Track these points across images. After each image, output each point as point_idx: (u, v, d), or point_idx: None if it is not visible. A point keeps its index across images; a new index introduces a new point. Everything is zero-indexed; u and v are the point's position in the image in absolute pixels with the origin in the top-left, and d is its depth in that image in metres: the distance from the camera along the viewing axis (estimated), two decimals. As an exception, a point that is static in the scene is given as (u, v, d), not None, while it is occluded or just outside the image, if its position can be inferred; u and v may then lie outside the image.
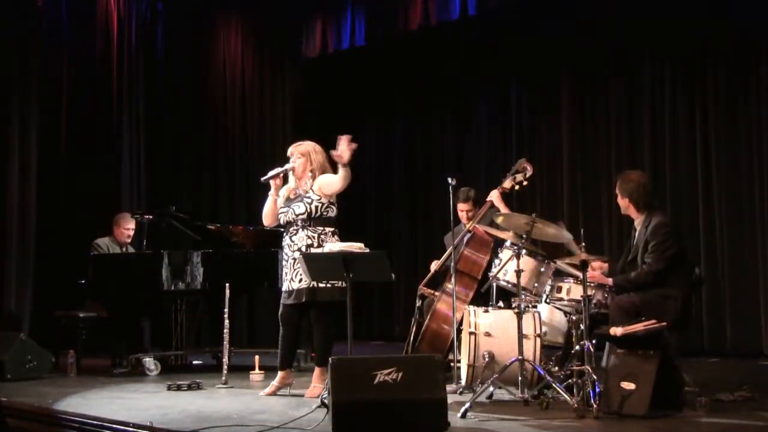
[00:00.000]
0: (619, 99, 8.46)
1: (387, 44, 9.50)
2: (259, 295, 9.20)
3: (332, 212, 5.63)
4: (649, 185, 5.38)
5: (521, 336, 4.99)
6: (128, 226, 7.58)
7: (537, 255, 5.47)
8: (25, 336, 6.83)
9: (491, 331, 5.38)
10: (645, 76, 8.29)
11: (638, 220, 5.32)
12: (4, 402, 5.05)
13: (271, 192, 5.73)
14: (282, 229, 5.76)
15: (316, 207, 5.55)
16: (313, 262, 5.10)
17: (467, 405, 4.63)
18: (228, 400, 5.50)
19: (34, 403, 5.31)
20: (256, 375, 6.41)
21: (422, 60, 9.77)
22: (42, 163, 8.46)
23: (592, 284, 5.08)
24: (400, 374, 4.14)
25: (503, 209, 6.14)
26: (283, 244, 5.67)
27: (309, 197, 5.57)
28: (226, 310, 6.20)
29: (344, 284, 5.03)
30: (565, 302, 5.23)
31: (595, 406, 4.52)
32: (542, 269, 5.45)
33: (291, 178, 5.69)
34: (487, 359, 5.30)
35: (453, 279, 5.81)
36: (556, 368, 5.29)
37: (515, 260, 5.12)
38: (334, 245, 5.31)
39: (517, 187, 6.21)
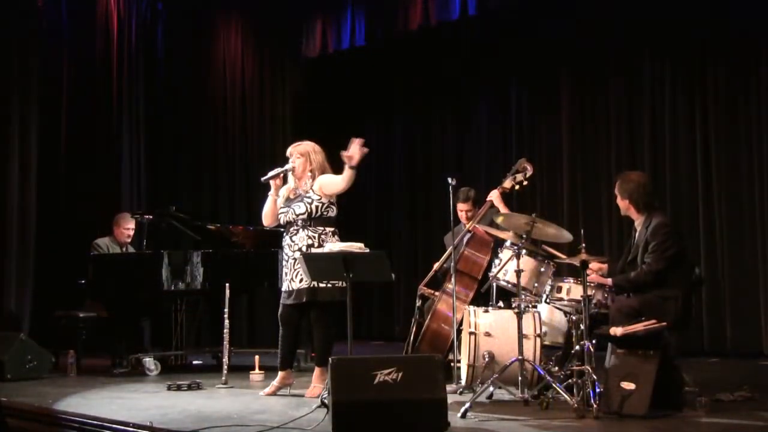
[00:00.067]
0: (619, 99, 8.46)
1: (387, 44, 9.50)
2: (259, 295, 9.20)
3: (332, 212, 5.63)
4: (649, 185, 5.38)
5: (521, 336, 4.99)
6: (128, 226, 7.58)
7: (537, 255, 5.47)
8: (25, 336, 6.83)
9: (491, 331, 5.38)
10: (645, 76, 8.29)
11: (638, 221, 5.31)
12: (4, 402, 5.05)
13: (271, 192, 5.72)
14: (282, 229, 5.76)
15: (317, 207, 5.55)
16: (314, 262, 5.10)
17: (467, 405, 4.63)
18: (228, 400, 5.50)
19: (34, 403, 5.30)
20: (256, 375, 6.41)
21: (422, 60, 9.76)
22: (42, 163, 8.45)
23: (592, 284, 5.08)
24: (400, 374, 4.14)
25: (503, 209, 6.13)
26: (283, 244, 5.67)
27: (309, 197, 5.57)
28: (226, 310, 6.20)
29: (344, 284, 5.03)
30: (565, 302, 5.23)
31: (595, 406, 4.52)
32: (542, 269, 5.45)
33: (290, 178, 5.68)
34: (487, 359, 5.30)
35: (453, 279, 5.81)
36: (556, 368, 5.28)
37: (515, 260, 5.12)
38: (334, 245, 5.30)
39: (517, 187, 6.20)
